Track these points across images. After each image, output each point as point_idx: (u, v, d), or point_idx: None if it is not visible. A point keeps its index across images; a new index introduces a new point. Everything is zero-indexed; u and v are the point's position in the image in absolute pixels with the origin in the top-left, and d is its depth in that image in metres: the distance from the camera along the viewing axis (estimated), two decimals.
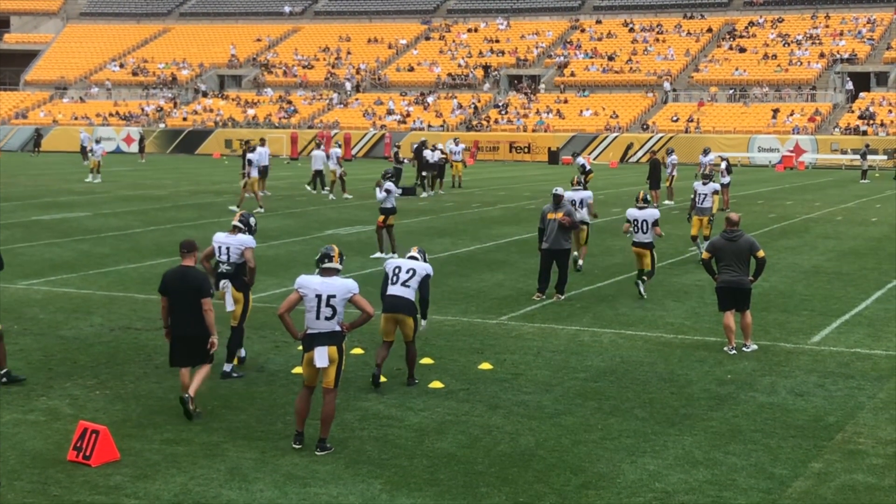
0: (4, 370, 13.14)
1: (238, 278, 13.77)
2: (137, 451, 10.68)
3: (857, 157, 57.40)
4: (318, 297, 10.68)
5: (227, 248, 13.78)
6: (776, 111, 69.32)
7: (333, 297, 10.69)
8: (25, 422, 11.69)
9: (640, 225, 19.25)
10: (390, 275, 13.19)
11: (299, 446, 10.80)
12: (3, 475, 9.89)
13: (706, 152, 39.72)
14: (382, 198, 24.14)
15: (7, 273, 21.29)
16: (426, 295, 13.37)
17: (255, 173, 34.77)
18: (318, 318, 10.69)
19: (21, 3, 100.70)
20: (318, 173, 42.50)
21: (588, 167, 38.66)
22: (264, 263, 23.03)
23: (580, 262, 22.45)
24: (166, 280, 11.82)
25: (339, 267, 10.95)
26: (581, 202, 22.05)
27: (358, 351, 14.66)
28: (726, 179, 36.11)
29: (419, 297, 13.30)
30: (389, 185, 24.24)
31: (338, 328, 10.76)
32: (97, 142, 51.14)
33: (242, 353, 14.16)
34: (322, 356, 10.63)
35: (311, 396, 10.89)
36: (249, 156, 35.24)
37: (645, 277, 19.42)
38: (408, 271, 13.13)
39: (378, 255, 23.91)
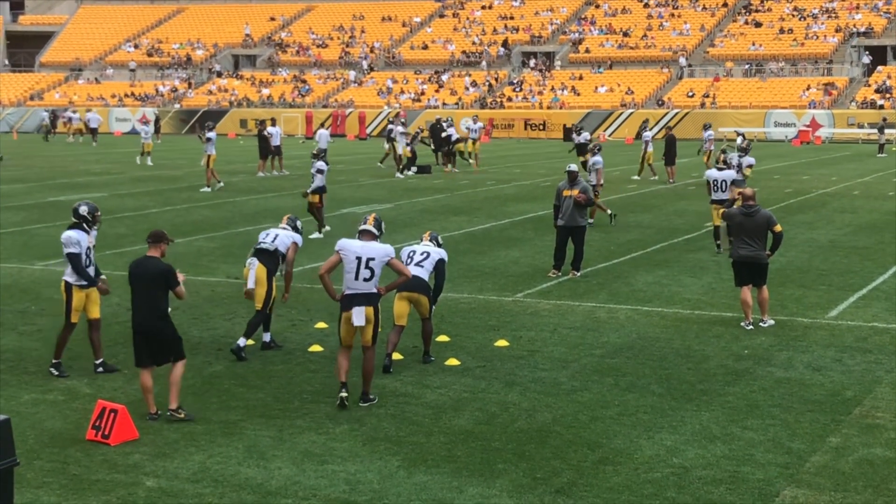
0: (100, 360, 12.99)
1: (270, 261, 13.82)
2: (156, 429, 10.73)
3: (875, 131, 57.07)
4: (358, 259, 11.33)
5: (277, 235, 14.02)
6: (828, 85, 68.56)
7: (372, 259, 11.35)
8: (44, 401, 11.76)
9: (719, 185, 21.30)
10: (405, 259, 13.30)
11: (346, 394, 11.34)
12: (22, 454, 9.93)
13: (706, 128, 39.52)
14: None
15: (24, 254, 21.41)
16: (441, 281, 13.45)
17: (212, 150, 35.05)
18: (356, 278, 11.35)
19: None
20: (323, 152, 42.56)
21: (455, 137, 41.96)
22: None
23: (597, 216, 25.54)
24: (130, 269, 11.22)
25: (376, 231, 11.57)
26: (593, 164, 25.87)
27: None
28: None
29: (434, 283, 13.38)
30: (320, 164, 24.33)
31: (374, 290, 11.36)
32: (144, 123, 50.26)
33: (267, 337, 14.05)
34: (360, 315, 11.27)
35: (349, 355, 11.48)
36: (209, 134, 35.99)
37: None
38: (422, 254, 13.32)
39: (316, 235, 23.86)
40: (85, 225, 12.79)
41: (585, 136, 39.98)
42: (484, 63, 79.28)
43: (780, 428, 10.77)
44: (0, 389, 12.14)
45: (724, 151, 24.99)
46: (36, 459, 9.90)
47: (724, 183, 21.21)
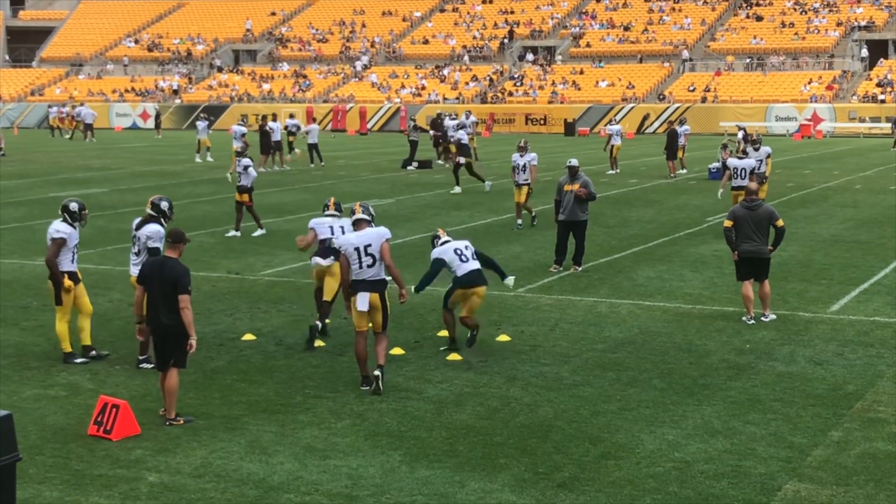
0: (145, 356, 12.78)
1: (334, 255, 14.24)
2: (158, 424, 10.73)
3: (890, 125, 56.74)
4: (357, 249, 11.75)
5: (342, 228, 14.02)
6: (843, 73, 68.55)
7: (369, 245, 11.75)
8: (46, 397, 11.76)
9: (739, 172, 23.16)
10: (456, 258, 13.62)
11: (367, 388, 11.78)
12: (24, 450, 9.94)
13: (682, 122, 39.53)
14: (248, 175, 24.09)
15: (26, 250, 21.42)
16: (491, 259, 14.29)
17: (236, 144, 35.33)
18: (360, 267, 11.76)
19: None
20: (314, 146, 42.54)
21: (299, 129, 43.25)
22: (280, 238, 23.07)
23: (520, 222, 24.41)
24: (144, 269, 11.03)
25: (367, 217, 12.08)
26: (524, 166, 24.62)
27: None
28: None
29: (485, 262, 14.08)
30: (247, 161, 24.22)
31: (381, 276, 11.71)
32: (201, 119, 47.71)
33: (319, 325, 14.08)
34: (363, 301, 11.65)
35: (366, 341, 11.84)
36: (234, 128, 36.72)
37: None
38: (466, 248, 13.85)
39: (233, 233, 23.69)
40: (163, 220, 12.82)
41: (463, 133, 34.24)
42: (466, 58, 79.20)
43: (781, 422, 10.77)
44: (2, 385, 12.15)
45: (724, 146, 25.10)
46: (38, 455, 9.91)
47: (743, 171, 23.06)
